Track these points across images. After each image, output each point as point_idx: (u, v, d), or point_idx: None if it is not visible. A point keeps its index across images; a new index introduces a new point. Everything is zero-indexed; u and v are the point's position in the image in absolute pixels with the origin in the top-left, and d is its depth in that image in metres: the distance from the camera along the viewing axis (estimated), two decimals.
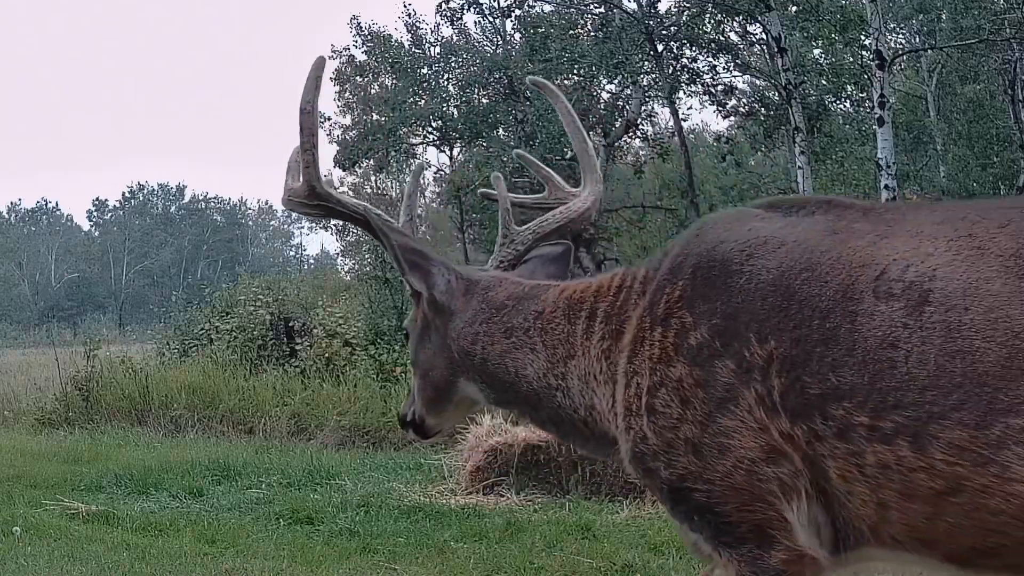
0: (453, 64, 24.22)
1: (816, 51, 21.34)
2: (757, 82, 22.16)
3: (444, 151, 26.87)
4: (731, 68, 20.73)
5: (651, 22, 18.70)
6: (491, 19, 24.77)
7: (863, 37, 17.76)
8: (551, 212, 3.33)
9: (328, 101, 28.45)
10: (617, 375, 2.60)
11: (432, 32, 25.14)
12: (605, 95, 22.12)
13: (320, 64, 3.04)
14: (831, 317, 2.29)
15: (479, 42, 25.57)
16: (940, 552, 2.31)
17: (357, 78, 27.73)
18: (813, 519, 2.37)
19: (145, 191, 72.92)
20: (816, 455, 2.31)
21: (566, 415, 2.82)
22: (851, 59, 20.43)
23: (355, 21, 25.41)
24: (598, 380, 2.69)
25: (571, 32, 20.47)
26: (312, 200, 3.08)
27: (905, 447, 2.21)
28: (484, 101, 23.61)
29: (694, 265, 2.50)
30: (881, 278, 2.28)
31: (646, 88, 21.12)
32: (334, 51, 27.32)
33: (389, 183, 35.04)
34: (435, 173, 30.42)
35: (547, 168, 3.54)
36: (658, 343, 2.49)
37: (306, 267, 58.18)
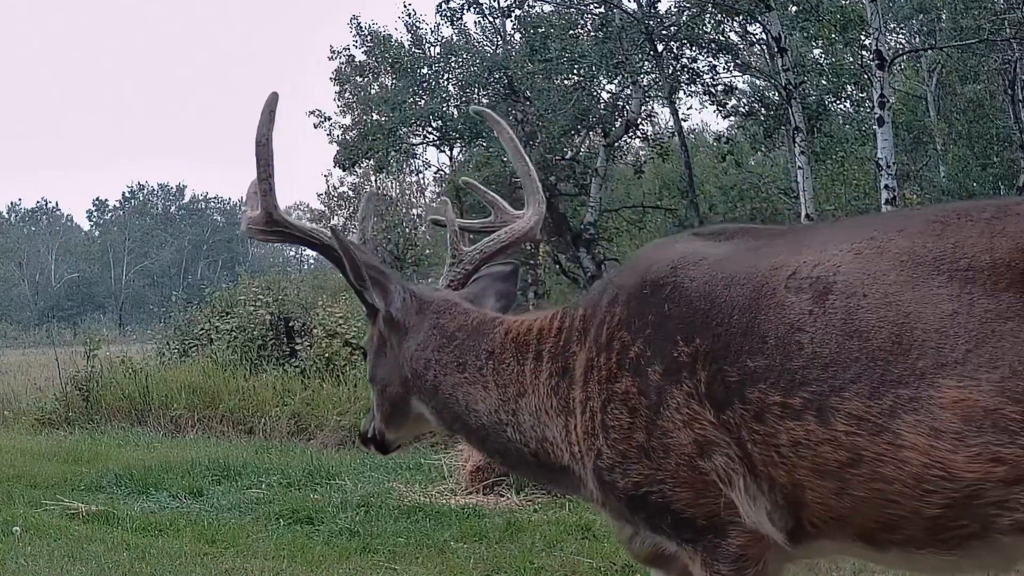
0: (453, 64, 24.21)
1: (816, 51, 21.34)
2: (757, 82, 22.16)
3: (444, 151, 26.91)
4: (731, 68, 20.73)
5: (651, 22, 18.70)
6: (491, 19, 24.78)
7: (863, 37, 17.75)
8: (497, 233, 3.53)
9: (328, 101, 28.49)
10: (572, 406, 2.81)
11: (432, 32, 25.16)
12: (605, 95, 22.13)
13: (273, 99, 3.18)
14: (748, 312, 2.54)
15: (479, 42, 25.57)
16: (851, 530, 2.48)
17: (357, 78, 27.73)
18: (762, 503, 2.54)
19: (145, 191, 72.97)
20: (741, 441, 2.51)
21: (514, 448, 3.00)
22: (851, 59, 20.42)
23: (355, 21, 25.45)
24: (550, 414, 2.88)
25: (571, 32, 20.46)
26: (270, 227, 3.24)
27: (812, 421, 2.41)
28: (484, 101, 23.60)
29: (628, 292, 2.76)
30: (792, 276, 2.53)
31: (646, 88, 21.12)
32: (333, 51, 27.38)
33: (389, 183, 35.04)
34: (435, 173, 30.46)
35: (492, 193, 3.74)
36: (604, 366, 2.72)
37: (306, 267, 58.12)
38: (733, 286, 2.59)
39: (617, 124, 21.56)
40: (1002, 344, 2.29)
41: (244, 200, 3.31)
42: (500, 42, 25.17)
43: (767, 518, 2.54)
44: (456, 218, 3.49)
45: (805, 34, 18.92)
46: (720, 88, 20.59)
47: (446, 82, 24.22)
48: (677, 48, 19.91)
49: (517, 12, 21.57)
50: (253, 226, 3.25)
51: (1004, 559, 2.47)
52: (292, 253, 70.98)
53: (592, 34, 20.07)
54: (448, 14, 21.48)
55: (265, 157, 3.16)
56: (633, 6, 19.54)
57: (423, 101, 23.67)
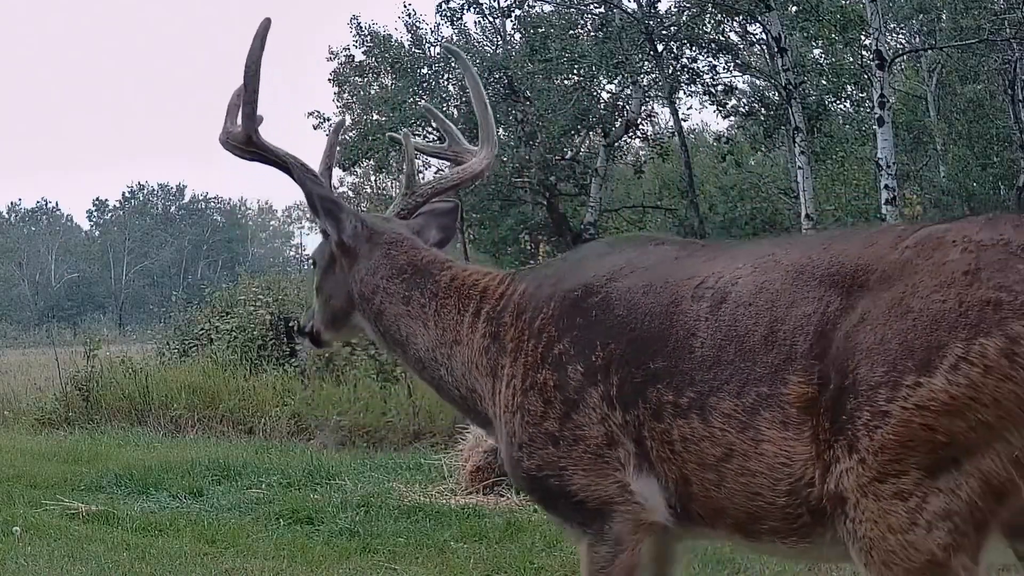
0: (453, 64, 24.20)
1: (816, 51, 21.34)
2: (757, 82, 22.16)
3: None
4: (731, 68, 20.73)
5: (651, 22, 18.70)
6: (491, 19, 24.78)
7: (863, 37, 17.75)
8: (450, 171, 3.84)
9: (328, 101, 28.48)
10: (499, 373, 3.08)
11: (432, 32, 25.15)
12: (605, 95, 22.13)
13: (266, 25, 3.39)
14: (658, 318, 2.79)
15: (479, 42, 25.57)
16: (728, 521, 2.71)
17: (357, 78, 27.72)
18: (649, 482, 2.80)
19: (145, 191, 72.95)
20: (642, 441, 2.77)
21: (446, 386, 3.31)
22: (851, 59, 20.42)
23: (355, 21, 25.42)
24: (480, 371, 3.17)
25: (571, 32, 20.47)
26: (248, 147, 3.47)
27: (696, 419, 2.67)
28: None
29: (565, 292, 3.01)
30: (699, 286, 2.77)
31: (646, 88, 21.12)
32: (332, 52, 27.37)
33: (389, 183, 35.05)
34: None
35: (449, 123, 4.02)
36: (531, 353, 2.99)
37: (306, 267, 58.07)
38: (650, 294, 2.84)
39: (617, 124, 21.56)
40: (835, 336, 2.51)
41: (226, 112, 3.48)
42: (500, 42, 25.17)
43: (656, 500, 2.79)
44: (414, 144, 3.75)
45: (805, 34, 18.92)
46: (720, 88, 20.59)
47: (446, 82, 24.21)
48: (677, 48, 19.90)
49: (517, 12, 21.57)
50: (232, 141, 3.46)
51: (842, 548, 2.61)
52: (292, 253, 71.09)
53: (592, 34, 20.07)
54: (448, 14, 21.49)
55: (252, 82, 3.36)
56: (633, 6, 19.54)
57: (423, 101, 23.67)
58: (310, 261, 3.81)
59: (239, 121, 3.43)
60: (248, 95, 3.40)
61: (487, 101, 3.86)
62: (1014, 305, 2.35)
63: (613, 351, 2.81)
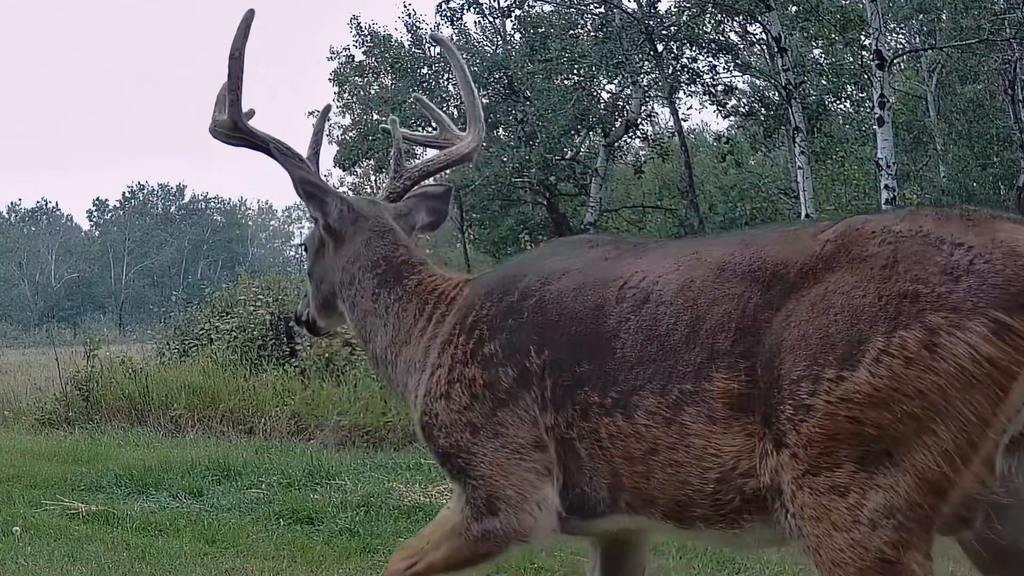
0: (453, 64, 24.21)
1: (816, 51, 21.33)
2: (757, 82, 22.15)
3: None
4: (731, 68, 20.73)
5: (651, 22, 18.69)
6: (491, 19, 24.78)
7: (863, 37, 17.75)
8: (437, 154, 3.91)
9: (328, 101, 28.44)
10: (426, 365, 3.20)
11: (432, 32, 25.14)
12: (605, 95, 22.12)
13: (249, 16, 3.46)
14: (586, 322, 2.86)
15: (479, 42, 25.57)
16: (659, 510, 2.79)
17: (357, 78, 27.73)
18: (546, 502, 2.93)
19: (145, 191, 72.96)
20: (571, 439, 2.85)
21: (392, 384, 3.45)
22: (851, 59, 20.41)
23: (355, 21, 25.43)
24: (415, 368, 3.28)
25: (571, 32, 20.46)
26: (235, 132, 3.55)
27: (620, 417, 2.75)
28: (484, 101, 23.58)
29: (501, 292, 3.10)
30: (623, 287, 2.84)
31: (646, 88, 21.11)
32: (333, 52, 27.38)
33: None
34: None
35: (440, 111, 4.09)
36: (461, 347, 3.10)
37: (306, 267, 58.05)
38: (580, 297, 2.91)
39: (617, 124, 21.56)
40: (759, 332, 2.57)
41: (215, 102, 3.57)
42: (500, 42, 25.17)
43: (548, 513, 2.94)
44: (401, 132, 3.85)
45: (805, 34, 18.91)
46: (720, 88, 20.59)
47: (446, 82, 24.21)
48: (677, 48, 19.90)
49: (517, 12, 21.57)
50: (220, 128, 3.55)
51: (774, 534, 2.66)
52: (292, 253, 71.08)
53: (592, 34, 20.06)
54: (448, 14, 21.49)
55: (236, 70, 3.46)
56: (633, 6, 19.54)
57: (415, 94, 23.67)
58: (302, 247, 3.85)
59: (225, 109, 3.52)
60: (232, 82, 3.48)
61: (473, 85, 3.93)
62: (931, 297, 2.36)
63: (547, 357, 2.90)
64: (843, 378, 2.42)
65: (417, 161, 3.89)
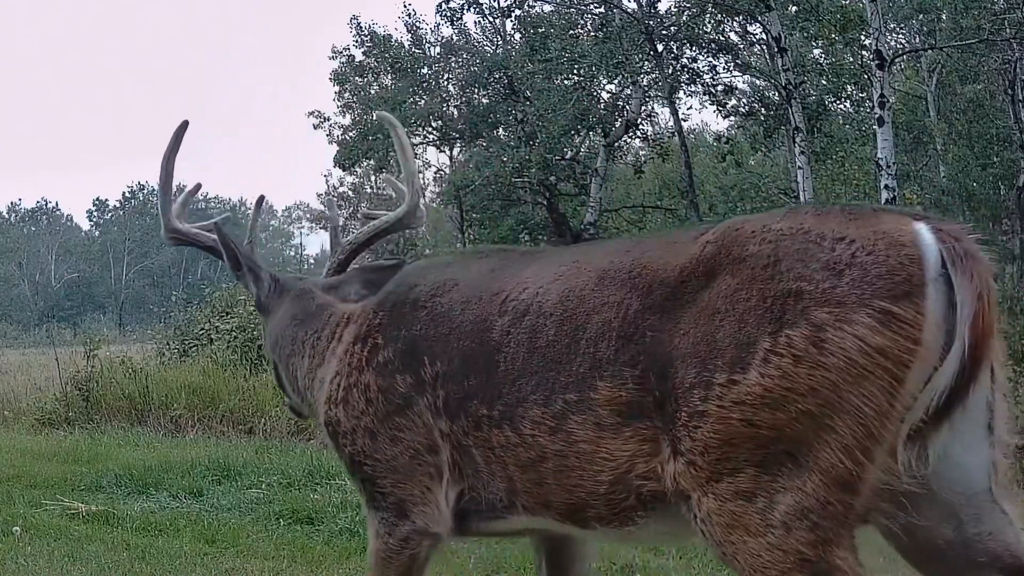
0: (453, 64, 24.21)
1: (816, 51, 21.32)
2: (757, 82, 22.14)
3: (444, 151, 26.91)
4: (731, 68, 20.72)
5: (651, 22, 18.69)
6: (491, 19, 24.78)
7: (863, 37, 17.74)
8: (364, 227, 4.06)
9: (328, 101, 28.46)
10: (328, 373, 3.36)
11: (432, 32, 25.15)
12: (605, 95, 22.12)
13: (182, 128, 3.80)
14: (473, 336, 2.94)
15: (479, 42, 25.57)
16: (556, 512, 2.86)
17: (357, 78, 27.73)
18: (444, 503, 3.04)
19: (145, 191, 72.82)
20: (467, 446, 2.95)
21: (311, 407, 3.58)
22: (851, 59, 20.40)
23: (355, 21, 25.43)
24: (323, 382, 3.40)
25: (571, 32, 20.46)
26: (169, 233, 3.93)
27: (507, 428, 2.83)
28: (484, 101, 23.59)
29: (393, 302, 3.24)
30: (505, 300, 2.90)
31: (646, 88, 21.11)
32: (335, 51, 27.37)
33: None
34: (435, 173, 30.44)
35: (398, 184, 4.15)
36: (357, 355, 3.23)
37: (306, 267, 58.14)
38: (466, 311, 3.00)
39: (617, 124, 21.55)
40: (643, 340, 2.59)
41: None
42: (500, 42, 25.16)
43: (448, 515, 3.05)
44: (337, 215, 4.23)
45: (805, 34, 18.91)
46: (720, 88, 20.58)
47: (446, 82, 24.21)
48: (677, 48, 19.90)
49: (517, 12, 21.56)
50: (166, 234, 3.96)
51: (676, 528, 2.72)
52: (292, 254, 71.06)
53: (592, 34, 20.05)
54: (448, 14, 21.48)
55: (166, 178, 3.83)
56: (633, 6, 19.53)
57: (423, 101, 23.65)
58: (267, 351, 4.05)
59: (161, 214, 3.92)
60: (163, 195, 3.86)
61: (412, 157, 4.01)
62: (815, 293, 2.35)
63: (439, 370, 3.00)
64: (734, 382, 2.41)
65: (352, 235, 4.08)
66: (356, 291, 3.75)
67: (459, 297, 3.04)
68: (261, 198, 5.10)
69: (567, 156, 22.54)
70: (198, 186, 4.12)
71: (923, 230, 2.39)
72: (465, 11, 21.79)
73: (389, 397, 3.09)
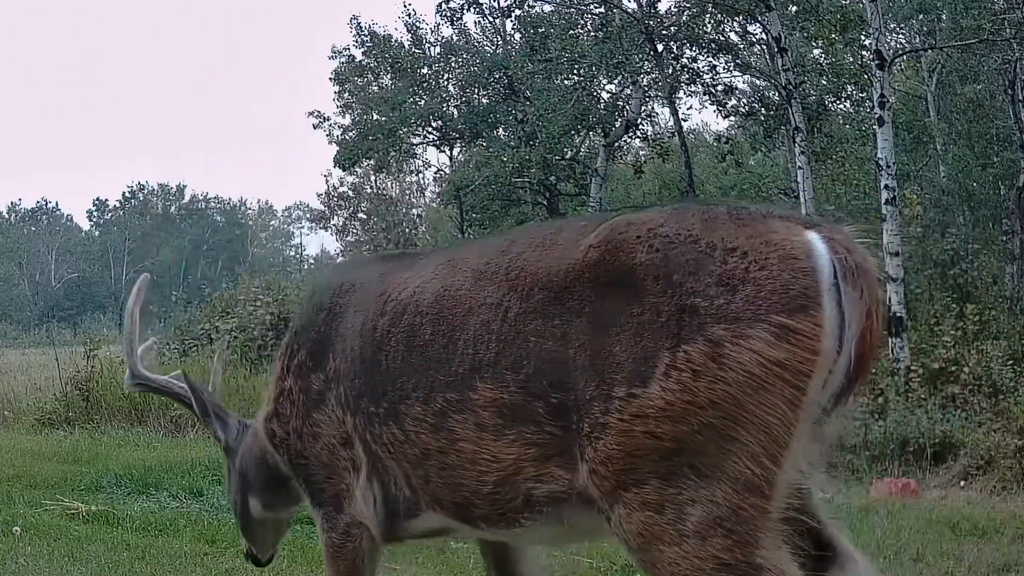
0: (453, 64, 24.18)
1: (816, 51, 21.30)
2: (757, 82, 22.13)
3: (444, 151, 26.88)
4: (731, 68, 20.70)
5: (651, 22, 18.68)
6: (491, 19, 24.76)
7: (863, 37, 17.74)
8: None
9: (328, 101, 28.47)
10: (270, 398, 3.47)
11: (432, 32, 25.14)
12: (605, 95, 22.09)
13: (144, 282, 3.93)
14: (361, 336, 3.06)
15: (479, 42, 25.55)
16: (446, 510, 2.95)
17: (357, 78, 27.71)
18: (368, 493, 3.13)
19: (145, 191, 72.87)
20: (369, 442, 3.07)
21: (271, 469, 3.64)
22: (851, 59, 20.38)
23: (355, 21, 25.41)
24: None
25: (571, 32, 20.43)
26: (134, 380, 4.00)
27: (393, 425, 2.93)
28: (484, 101, 23.57)
29: (304, 310, 3.47)
30: (388, 301, 2.99)
31: (646, 88, 21.09)
32: (335, 51, 27.35)
33: (389, 183, 35.01)
34: (435, 173, 30.44)
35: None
36: (282, 367, 3.39)
37: (306, 267, 58.15)
38: (358, 313, 3.11)
39: (617, 124, 21.53)
40: (527, 344, 2.59)
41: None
42: (500, 42, 25.15)
43: (371, 509, 3.14)
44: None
45: (805, 34, 18.88)
46: (720, 88, 20.56)
47: (446, 82, 24.19)
48: (677, 48, 19.87)
49: (517, 12, 21.54)
50: (131, 380, 4.03)
51: (565, 532, 2.82)
52: (292, 253, 71.04)
53: (592, 34, 20.03)
54: (448, 14, 21.46)
55: (131, 329, 3.92)
56: (633, 6, 19.52)
57: (423, 101, 23.63)
58: (235, 503, 4.11)
59: (127, 362, 4.03)
60: (127, 342, 3.95)
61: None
62: (711, 310, 2.35)
63: (338, 366, 3.14)
64: (634, 395, 2.41)
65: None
66: None
67: (354, 300, 3.18)
68: (224, 342, 5.48)
69: (567, 156, 22.53)
70: (154, 341, 4.37)
71: (816, 241, 2.39)
72: (465, 11, 21.77)
73: (307, 396, 3.24)
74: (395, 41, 24.90)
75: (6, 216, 72.43)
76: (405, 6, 25.45)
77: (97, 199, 73.05)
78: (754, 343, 2.32)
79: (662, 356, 2.39)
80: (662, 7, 19.96)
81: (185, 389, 3.96)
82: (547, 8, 21.39)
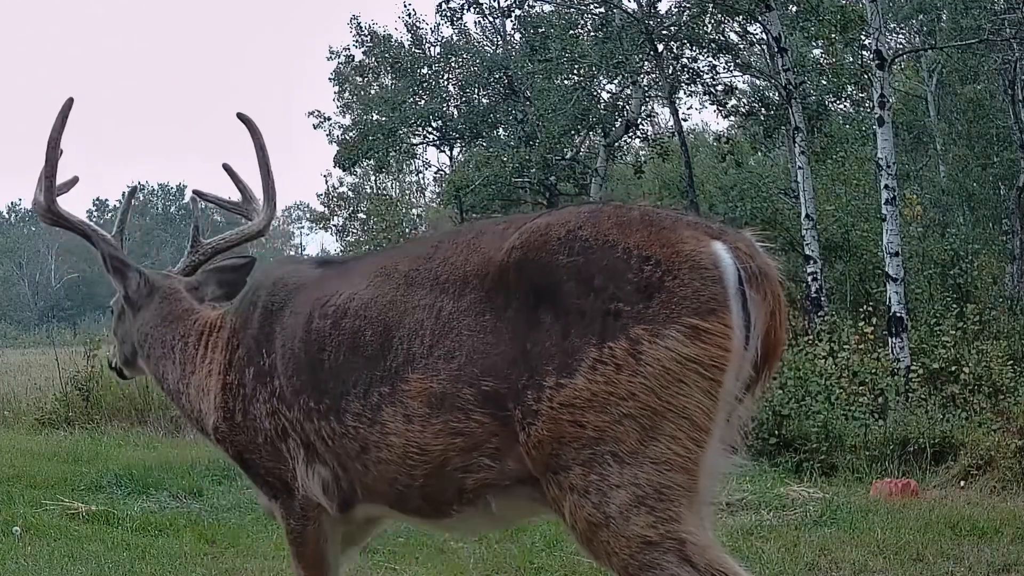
0: (453, 64, 24.18)
1: (816, 51, 21.30)
2: (757, 82, 22.13)
3: (444, 151, 26.88)
4: (731, 68, 20.69)
5: (651, 22, 18.67)
6: (491, 19, 24.77)
7: (863, 37, 17.73)
8: (229, 232, 4.34)
9: (328, 101, 28.47)
10: (208, 387, 3.62)
11: (432, 32, 25.13)
12: (605, 95, 22.10)
13: (68, 104, 4.00)
14: (297, 336, 3.23)
15: (479, 42, 25.56)
16: (383, 501, 3.15)
17: (357, 78, 27.70)
18: (318, 477, 3.26)
19: (145, 191, 72.85)
20: (306, 435, 3.23)
21: (188, 412, 3.83)
22: (851, 59, 20.38)
23: (355, 21, 25.41)
24: (204, 392, 3.66)
25: (571, 32, 20.42)
26: (49, 215, 3.98)
27: (333, 420, 3.11)
28: (484, 101, 23.57)
29: (244, 305, 3.56)
30: (326, 304, 3.17)
31: (646, 88, 21.09)
32: (333, 51, 27.35)
33: (389, 183, 35.00)
34: (435, 173, 30.43)
35: (243, 182, 4.42)
36: (222, 360, 3.54)
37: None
38: (293, 314, 3.27)
39: (617, 124, 21.53)
40: (460, 338, 2.82)
41: (36, 181, 3.96)
42: (500, 42, 25.15)
43: (321, 489, 3.26)
44: (199, 210, 4.40)
45: (805, 34, 18.87)
46: (720, 88, 20.56)
47: (446, 82, 24.19)
48: (677, 48, 19.86)
49: (517, 12, 21.53)
50: (38, 208, 3.98)
51: (491, 519, 3.07)
52: (291, 253, 70.93)
53: (592, 34, 20.02)
54: (448, 14, 21.44)
55: (52, 157, 3.87)
56: (633, 6, 19.52)
57: (423, 101, 23.63)
58: (109, 310, 4.27)
59: (42, 192, 3.94)
60: (48, 169, 3.90)
61: (271, 167, 4.21)
62: (631, 314, 2.64)
63: (273, 362, 3.30)
64: (562, 385, 2.68)
65: (213, 238, 4.32)
66: (212, 291, 4.11)
67: (287, 299, 3.35)
68: (134, 189, 5.38)
69: (567, 156, 22.53)
70: (76, 179, 4.22)
71: (722, 251, 2.69)
72: (465, 11, 21.75)
73: (246, 389, 3.40)
74: (395, 41, 24.91)
75: (6, 216, 72.47)
76: (405, 6, 25.46)
77: (97, 199, 72.95)
78: (669, 342, 2.62)
79: (589, 351, 2.66)
80: (662, 7, 19.97)
81: (96, 233, 4.02)
82: (547, 8, 21.39)
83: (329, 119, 28.63)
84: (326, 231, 37.14)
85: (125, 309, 4.06)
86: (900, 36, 22.14)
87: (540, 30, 20.85)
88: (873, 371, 10.88)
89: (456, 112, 23.81)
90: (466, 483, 2.90)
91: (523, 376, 2.74)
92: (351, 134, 25.61)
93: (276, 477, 3.40)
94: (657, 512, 2.63)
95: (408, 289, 2.98)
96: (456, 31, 24.38)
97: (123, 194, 4.92)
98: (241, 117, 4.23)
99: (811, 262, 14.60)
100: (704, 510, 2.75)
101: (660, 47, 19.20)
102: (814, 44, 20.51)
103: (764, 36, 18.44)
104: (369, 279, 3.13)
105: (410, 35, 24.96)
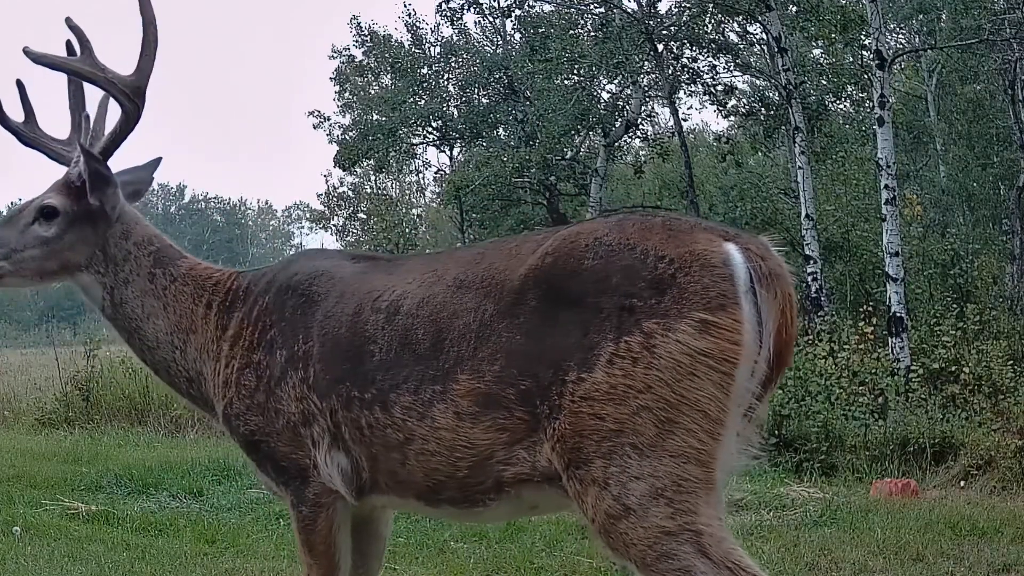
0: (453, 64, 24.17)
1: (816, 51, 21.30)
2: (757, 82, 22.12)
3: (444, 151, 26.87)
4: (731, 68, 20.69)
5: (651, 22, 18.66)
6: (491, 19, 24.76)
7: (863, 37, 17.73)
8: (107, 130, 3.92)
9: (328, 101, 28.47)
10: (220, 356, 3.55)
11: (432, 32, 25.12)
12: (605, 95, 22.09)
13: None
14: (344, 326, 3.30)
15: (479, 42, 25.55)
16: (412, 492, 3.25)
17: (357, 78, 27.68)
18: (338, 465, 3.33)
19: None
20: (337, 423, 3.29)
21: (175, 369, 3.70)
22: (851, 59, 20.38)
23: (355, 21, 25.41)
24: (210, 355, 3.60)
25: (571, 32, 20.42)
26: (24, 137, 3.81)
27: (379, 410, 3.18)
28: (484, 101, 23.56)
29: (278, 287, 3.53)
30: (378, 299, 3.27)
31: (646, 88, 21.08)
32: (334, 51, 27.34)
33: (389, 183, 34.99)
34: (435, 173, 30.42)
35: (83, 34, 4.13)
36: (248, 337, 3.49)
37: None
38: (341, 303, 3.34)
39: (617, 124, 21.53)
40: (500, 340, 2.99)
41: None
42: (500, 42, 25.14)
43: (339, 477, 3.32)
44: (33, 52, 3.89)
45: (805, 34, 18.87)
46: (720, 88, 20.56)
47: (446, 82, 24.18)
48: (677, 48, 19.86)
49: (517, 12, 21.53)
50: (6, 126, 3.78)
51: (518, 509, 3.23)
52: (292, 253, 70.98)
53: (592, 34, 20.01)
54: (448, 14, 21.44)
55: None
56: (633, 6, 19.51)
57: (423, 101, 23.62)
58: (47, 209, 3.65)
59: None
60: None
61: (155, 20, 4.04)
62: (645, 308, 2.80)
63: (310, 349, 3.33)
64: (583, 379, 2.84)
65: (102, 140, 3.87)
66: (127, 190, 3.80)
67: (333, 289, 3.40)
68: (105, 97, 4.35)
69: (567, 156, 22.52)
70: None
71: (733, 251, 2.85)
72: (465, 11, 21.75)
73: (273, 371, 3.40)
74: (395, 41, 24.89)
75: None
76: (405, 6, 25.45)
77: None
78: (680, 335, 2.76)
79: (606, 346, 2.82)
80: (662, 7, 19.96)
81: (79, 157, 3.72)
82: (547, 8, 21.39)
83: (329, 119, 28.62)
84: (326, 231, 37.10)
85: (96, 218, 3.64)
86: (900, 36, 22.14)
87: (540, 30, 20.86)
88: (873, 371, 10.89)
89: (456, 112, 23.80)
90: (504, 475, 3.04)
91: (549, 373, 2.89)
92: (351, 134, 25.60)
93: (292, 463, 3.42)
94: (675, 504, 2.74)
95: (457, 292, 3.13)
96: (456, 31, 24.38)
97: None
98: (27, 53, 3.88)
99: (811, 262, 14.60)
100: (719, 504, 2.83)
101: (660, 47, 19.21)
102: (814, 44, 20.51)
103: (764, 36, 18.44)
104: (420, 280, 3.25)
105: (410, 35, 24.96)
